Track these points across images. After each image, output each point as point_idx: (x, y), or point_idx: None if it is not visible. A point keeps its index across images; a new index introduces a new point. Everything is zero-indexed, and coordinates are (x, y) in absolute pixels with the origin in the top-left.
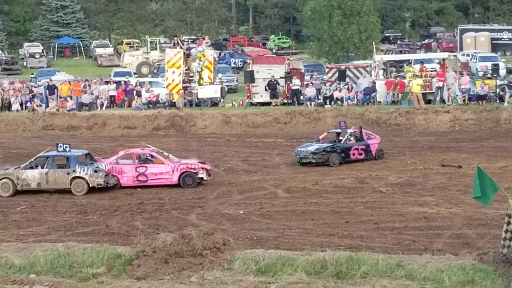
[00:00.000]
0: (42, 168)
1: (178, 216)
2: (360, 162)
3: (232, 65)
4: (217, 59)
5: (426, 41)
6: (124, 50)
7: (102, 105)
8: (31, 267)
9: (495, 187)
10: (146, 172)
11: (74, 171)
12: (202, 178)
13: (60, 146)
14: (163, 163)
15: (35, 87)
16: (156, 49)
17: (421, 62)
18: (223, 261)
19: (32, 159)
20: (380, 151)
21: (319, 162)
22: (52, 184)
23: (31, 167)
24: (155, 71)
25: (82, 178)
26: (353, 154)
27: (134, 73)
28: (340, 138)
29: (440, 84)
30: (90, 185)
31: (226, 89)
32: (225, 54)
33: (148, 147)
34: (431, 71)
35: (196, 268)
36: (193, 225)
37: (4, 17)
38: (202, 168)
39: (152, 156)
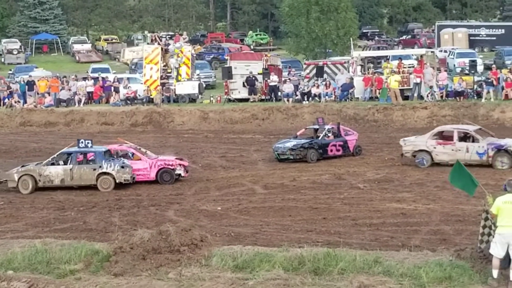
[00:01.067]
0: (66, 164)
1: (155, 212)
2: (338, 159)
3: None
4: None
5: (404, 37)
6: (122, 46)
7: (80, 101)
8: (8, 263)
9: (474, 182)
10: None
11: (100, 167)
12: (179, 175)
13: (82, 142)
14: (141, 160)
15: (13, 83)
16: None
17: (399, 58)
18: (201, 257)
19: (53, 156)
20: (357, 148)
21: (297, 158)
22: (78, 180)
23: (53, 164)
24: (133, 67)
25: (109, 174)
26: (331, 151)
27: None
28: (318, 134)
29: (418, 80)
30: (117, 181)
31: (204, 85)
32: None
33: (127, 143)
34: (409, 67)
35: (174, 265)
36: (171, 221)
37: None
38: (180, 165)
39: (132, 153)
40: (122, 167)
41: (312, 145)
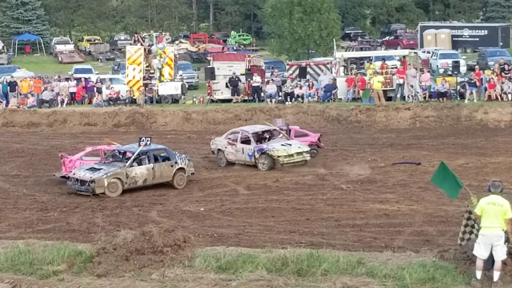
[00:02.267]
0: (147, 163)
1: (138, 213)
2: (321, 159)
3: None
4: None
5: (387, 38)
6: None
7: (62, 102)
8: None
9: (458, 183)
10: None
11: (176, 163)
12: None
13: (143, 140)
14: None
15: None
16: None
17: (383, 59)
18: (184, 258)
19: (135, 156)
20: (311, 150)
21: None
22: (158, 179)
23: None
24: (115, 67)
25: (183, 169)
26: None
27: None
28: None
29: (401, 81)
30: (186, 175)
31: (187, 86)
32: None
33: (114, 144)
34: (392, 68)
35: (157, 265)
36: (154, 222)
37: None
38: None
39: (119, 152)
40: (189, 160)
41: None
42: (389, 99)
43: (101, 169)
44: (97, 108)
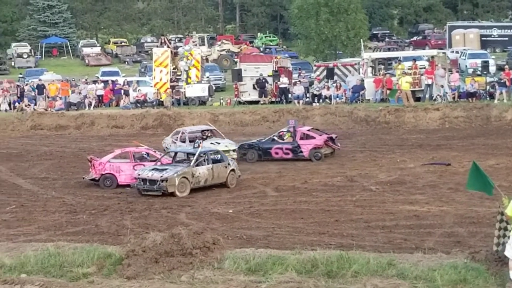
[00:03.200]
0: (207, 164)
1: (167, 215)
2: (350, 161)
3: None
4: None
5: (415, 38)
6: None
7: (90, 104)
8: (21, 266)
9: (490, 184)
10: None
11: (229, 164)
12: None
13: (196, 142)
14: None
15: (27, 85)
16: (204, 44)
17: (414, 59)
18: (213, 260)
19: (197, 156)
20: (316, 153)
21: (240, 156)
22: (216, 179)
23: (199, 164)
24: (142, 70)
25: (234, 170)
26: (276, 153)
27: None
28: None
29: (429, 81)
30: (237, 176)
31: (214, 88)
32: None
33: (142, 146)
34: (420, 68)
35: (186, 268)
36: (183, 224)
37: None
38: None
39: (148, 154)
40: (235, 163)
41: (253, 146)
42: (417, 99)
43: (166, 169)
44: (124, 111)
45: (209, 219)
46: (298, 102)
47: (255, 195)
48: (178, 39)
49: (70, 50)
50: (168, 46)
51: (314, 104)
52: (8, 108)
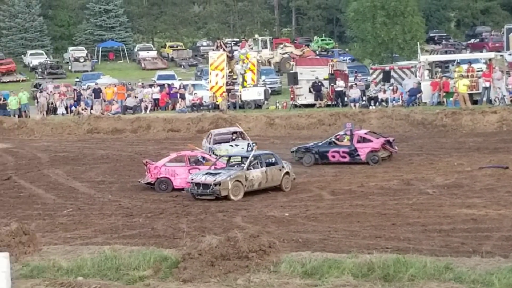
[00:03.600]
0: (261, 167)
1: (223, 218)
2: (406, 164)
3: None
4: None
5: (472, 41)
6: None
7: (146, 108)
8: (78, 269)
9: None
10: None
11: (283, 167)
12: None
13: (249, 145)
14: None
15: (83, 90)
16: (266, 47)
17: (469, 62)
18: (269, 264)
19: (251, 159)
20: (373, 156)
21: (296, 159)
22: (270, 182)
23: (252, 167)
24: (198, 73)
25: (288, 173)
26: (333, 157)
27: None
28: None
29: (487, 84)
30: (291, 179)
31: (270, 91)
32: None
33: (197, 149)
34: (478, 71)
35: (242, 271)
36: (239, 227)
37: (49, 21)
38: None
39: (203, 158)
40: (290, 166)
41: (309, 150)
42: (475, 102)
43: (220, 172)
44: (180, 114)
45: (265, 223)
46: (354, 105)
47: (311, 198)
48: (234, 42)
49: (126, 54)
50: (224, 50)
51: (370, 107)
52: (65, 112)
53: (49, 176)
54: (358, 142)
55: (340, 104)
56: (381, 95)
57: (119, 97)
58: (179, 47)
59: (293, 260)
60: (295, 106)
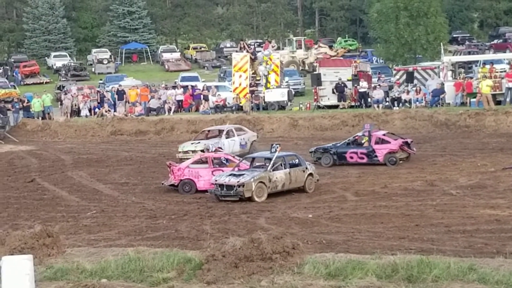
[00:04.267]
0: (284, 168)
1: (247, 220)
2: (430, 165)
3: None
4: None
5: (495, 41)
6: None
7: (169, 109)
8: (102, 271)
9: None
10: None
11: (307, 168)
12: None
13: (273, 146)
14: (239, 167)
15: (107, 91)
16: (301, 47)
17: (491, 63)
18: (293, 265)
19: (274, 160)
20: (391, 157)
21: (315, 160)
22: (293, 184)
23: (276, 168)
24: (221, 75)
25: (312, 174)
26: (351, 158)
27: None
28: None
29: (510, 85)
30: (315, 181)
31: (293, 92)
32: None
33: (221, 151)
34: (501, 71)
35: (266, 272)
36: (262, 229)
37: (73, 23)
38: None
39: (227, 159)
40: (314, 167)
41: (327, 150)
42: (498, 103)
43: (243, 174)
44: (204, 116)
45: (288, 224)
46: (378, 106)
47: (334, 199)
48: (257, 44)
49: (149, 56)
50: (247, 51)
51: (394, 108)
52: (88, 113)
53: (73, 178)
54: (376, 143)
55: (364, 105)
56: (404, 96)
57: (143, 98)
58: (202, 49)
59: (317, 262)
60: (319, 107)
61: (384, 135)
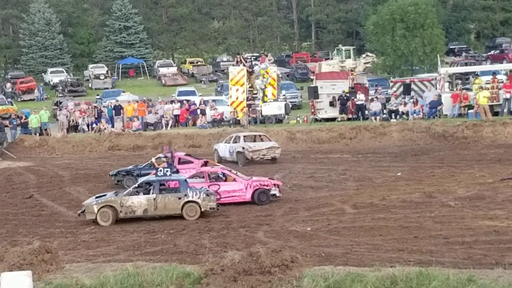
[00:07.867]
0: (148, 193)
1: (245, 234)
2: (428, 176)
3: None
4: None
5: (492, 52)
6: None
7: (167, 124)
8: (101, 287)
9: None
10: (219, 190)
11: (186, 195)
12: (274, 195)
13: (161, 171)
14: (235, 181)
15: (104, 107)
16: (350, 57)
17: (494, 73)
18: (292, 278)
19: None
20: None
21: (115, 183)
22: (162, 210)
23: (135, 193)
24: (218, 89)
25: (195, 202)
26: None
27: None
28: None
29: (507, 95)
30: (202, 209)
31: (290, 106)
32: None
33: (217, 165)
34: (498, 82)
35: (265, 286)
36: (261, 242)
37: (69, 39)
38: (274, 185)
39: (223, 174)
40: (207, 195)
41: (130, 172)
42: (495, 114)
43: (105, 195)
44: (201, 130)
45: (287, 237)
46: (375, 119)
47: (333, 212)
48: (254, 57)
49: (146, 71)
50: (244, 65)
51: (391, 120)
52: (86, 129)
53: (71, 194)
54: (180, 163)
55: (361, 117)
56: (401, 108)
57: (140, 113)
58: (199, 63)
59: (316, 275)
60: (316, 120)
61: (185, 155)
